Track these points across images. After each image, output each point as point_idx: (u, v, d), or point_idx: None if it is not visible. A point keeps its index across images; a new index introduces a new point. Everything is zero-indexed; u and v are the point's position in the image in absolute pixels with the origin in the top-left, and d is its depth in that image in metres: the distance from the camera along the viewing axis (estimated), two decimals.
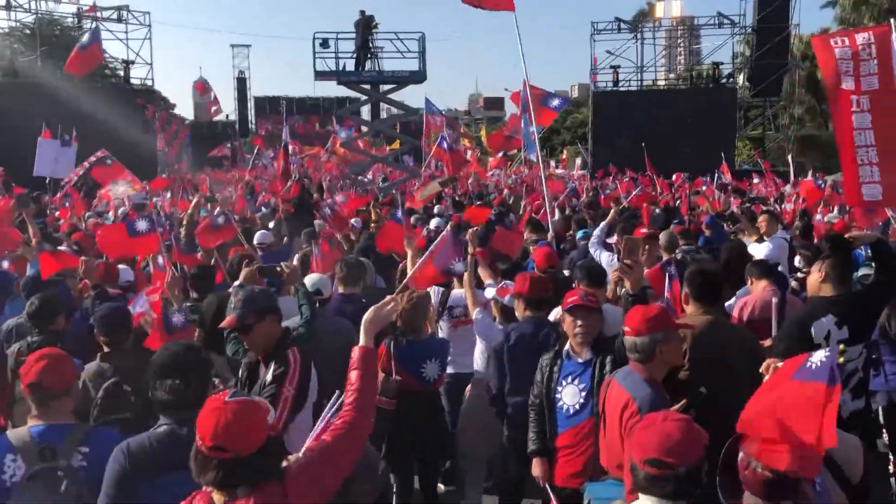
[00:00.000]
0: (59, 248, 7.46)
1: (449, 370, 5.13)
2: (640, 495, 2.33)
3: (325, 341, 4.42)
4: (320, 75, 22.20)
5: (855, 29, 6.09)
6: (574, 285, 4.94)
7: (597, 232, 7.39)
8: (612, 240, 7.30)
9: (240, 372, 4.01)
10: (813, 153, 35.87)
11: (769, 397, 2.51)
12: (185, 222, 8.78)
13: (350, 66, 22.15)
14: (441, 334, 5.57)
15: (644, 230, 7.14)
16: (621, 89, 31.71)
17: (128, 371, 3.80)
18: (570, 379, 3.96)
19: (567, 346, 4.03)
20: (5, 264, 7.04)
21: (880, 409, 5.06)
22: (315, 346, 4.14)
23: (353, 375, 2.69)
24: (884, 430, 5.08)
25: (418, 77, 22.16)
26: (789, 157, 18.14)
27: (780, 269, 5.99)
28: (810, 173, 19.38)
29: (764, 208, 10.55)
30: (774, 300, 4.23)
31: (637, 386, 3.33)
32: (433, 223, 9.61)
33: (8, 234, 7.71)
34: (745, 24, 31.58)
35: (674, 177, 18.77)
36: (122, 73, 29.59)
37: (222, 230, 7.62)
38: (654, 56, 34.01)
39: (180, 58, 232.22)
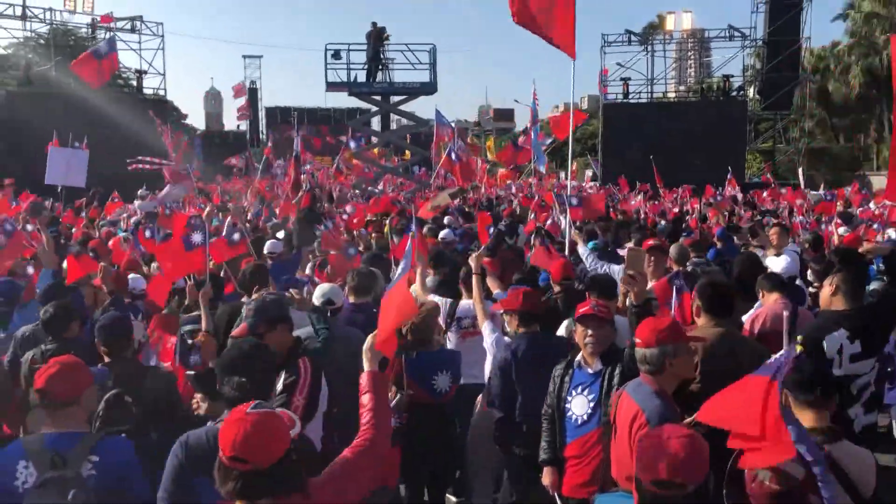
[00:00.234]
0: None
1: None
2: None
3: (336, 351, 4.41)
4: (332, 86, 22.38)
5: None
6: (586, 297, 4.94)
7: (587, 256, 7.34)
8: (623, 252, 7.29)
9: None
10: (823, 166, 35.73)
11: (726, 389, 2.65)
12: None
13: (361, 77, 22.34)
14: (449, 346, 5.56)
15: (651, 242, 7.13)
16: (631, 101, 31.74)
17: (128, 379, 3.82)
18: (580, 389, 3.96)
19: (579, 357, 4.04)
20: (30, 270, 7.07)
21: (894, 423, 5.01)
22: (328, 357, 4.14)
23: (366, 398, 2.76)
24: None
25: (429, 88, 22.28)
26: (800, 171, 18.05)
27: (797, 282, 5.93)
28: (822, 187, 19.29)
29: (773, 221, 10.52)
30: (786, 313, 4.20)
31: (646, 398, 3.33)
32: (442, 234, 9.63)
33: (20, 239, 7.68)
34: (756, 36, 31.57)
35: (680, 189, 18.64)
36: (134, 82, 29.88)
37: (237, 246, 7.62)
38: (664, 68, 34.17)
39: (192, 68, 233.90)
